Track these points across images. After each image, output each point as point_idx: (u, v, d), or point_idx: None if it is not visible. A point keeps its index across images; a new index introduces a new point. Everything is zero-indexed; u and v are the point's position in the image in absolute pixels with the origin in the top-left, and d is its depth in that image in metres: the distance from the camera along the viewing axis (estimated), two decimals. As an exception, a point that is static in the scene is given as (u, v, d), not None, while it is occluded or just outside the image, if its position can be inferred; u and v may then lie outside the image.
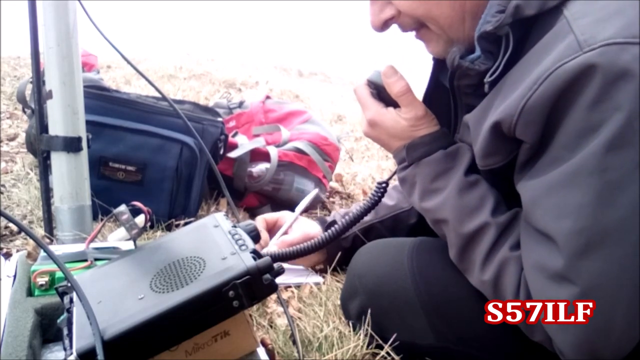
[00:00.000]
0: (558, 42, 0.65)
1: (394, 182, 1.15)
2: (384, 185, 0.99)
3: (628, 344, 0.65)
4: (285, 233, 1.18)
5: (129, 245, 0.90)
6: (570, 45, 0.63)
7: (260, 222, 1.19)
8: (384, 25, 0.81)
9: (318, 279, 1.12)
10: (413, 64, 0.90)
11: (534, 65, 0.67)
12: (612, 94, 0.60)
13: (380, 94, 0.88)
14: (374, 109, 0.88)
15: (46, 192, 1.17)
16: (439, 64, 0.90)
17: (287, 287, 1.09)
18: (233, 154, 1.56)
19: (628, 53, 0.60)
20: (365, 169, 2.22)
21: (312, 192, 1.32)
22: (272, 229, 1.21)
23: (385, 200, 1.15)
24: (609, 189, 0.61)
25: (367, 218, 1.14)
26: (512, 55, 0.71)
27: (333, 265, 1.14)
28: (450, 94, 0.88)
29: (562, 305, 0.64)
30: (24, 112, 1.66)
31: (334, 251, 1.15)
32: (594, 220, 0.62)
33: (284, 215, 1.22)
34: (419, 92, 0.89)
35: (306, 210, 1.66)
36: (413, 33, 0.83)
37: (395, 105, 0.87)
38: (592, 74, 0.61)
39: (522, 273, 0.72)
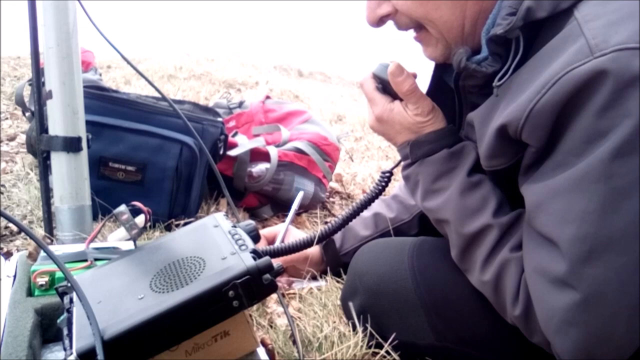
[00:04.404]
0: (568, 45, 0.64)
1: (396, 183, 1.15)
2: (387, 174, 0.99)
3: (627, 350, 0.64)
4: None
5: (129, 245, 0.90)
6: (581, 49, 0.62)
7: (262, 240, 1.18)
8: (379, 21, 0.81)
9: (321, 283, 1.12)
10: (413, 62, 0.90)
11: (542, 68, 0.66)
12: (623, 101, 0.59)
13: (386, 88, 0.87)
14: (381, 105, 0.87)
15: (46, 192, 1.17)
16: (442, 63, 0.89)
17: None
18: (233, 152, 1.56)
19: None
20: (365, 169, 2.22)
21: (297, 199, 1.31)
22: (272, 244, 1.20)
23: (385, 212, 1.15)
24: (615, 196, 0.61)
25: (367, 233, 1.14)
26: (520, 56, 0.70)
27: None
28: (455, 92, 0.87)
29: (562, 310, 0.64)
30: (24, 114, 1.66)
31: (335, 267, 1.14)
32: (598, 227, 0.61)
33: (281, 229, 1.22)
34: (422, 87, 0.88)
35: (306, 210, 1.66)
36: (412, 35, 0.83)
37: (401, 98, 0.87)
38: (603, 79, 0.59)
39: (522, 275, 0.71)
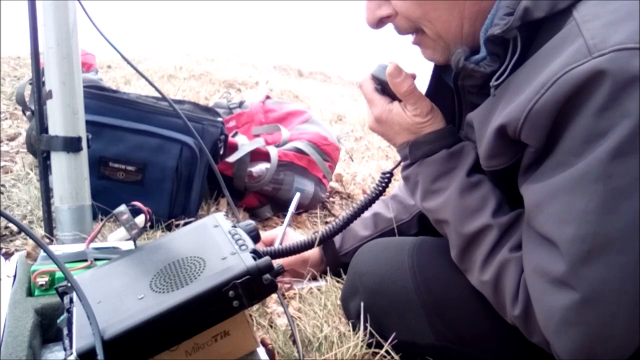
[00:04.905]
0: (567, 46, 0.64)
1: (396, 183, 1.15)
2: (388, 175, 0.99)
3: (627, 350, 0.64)
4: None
5: (129, 245, 0.90)
6: (579, 49, 0.62)
7: (259, 244, 1.18)
8: (379, 23, 0.81)
9: (321, 283, 1.12)
10: (412, 62, 0.90)
11: (541, 68, 0.66)
12: (621, 101, 0.59)
13: (385, 88, 0.87)
14: (380, 106, 0.87)
15: (46, 192, 1.17)
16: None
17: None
18: (231, 159, 1.56)
19: (639, 59, 0.58)
20: (365, 169, 2.22)
21: (294, 201, 1.31)
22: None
23: (384, 212, 1.15)
24: (614, 196, 0.60)
25: (367, 233, 1.14)
26: (518, 56, 0.70)
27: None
28: (454, 92, 0.87)
29: (561, 310, 0.64)
30: (24, 113, 1.66)
31: (335, 267, 1.14)
32: (598, 227, 0.61)
33: (279, 232, 1.22)
34: (422, 88, 0.88)
35: (306, 210, 1.66)
36: (410, 38, 0.83)
37: (400, 99, 0.87)
38: (602, 80, 0.59)
39: (522, 275, 0.71)
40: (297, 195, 1.34)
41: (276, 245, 1.15)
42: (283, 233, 1.19)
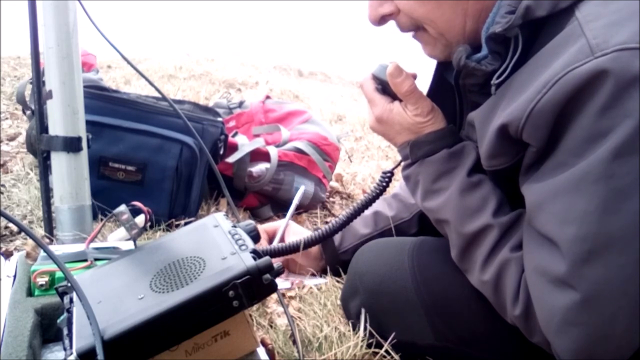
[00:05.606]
0: (569, 45, 0.64)
1: (397, 182, 1.15)
2: (388, 174, 0.99)
3: (627, 350, 0.64)
4: (282, 240, 1.18)
5: (129, 245, 0.90)
6: (581, 49, 0.62)
7: (262, 235, 1.18)
8: (381, 20, 0.81)
9: (321, 280, 1.12)
10: (414, 60, 0.90)
11: (543, 68, 0.66)
12: (623, 101, 0.59)
13: (385, 88, 0.87)
14: (380, 106, 0.87)
15: (46, 192, 1.17)
16: (443, 61, 0.89)
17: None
18: (231, 159, 1.56)
19: None
20: (365, 169, 2.22)
21: (299, 193, 1.31)
22: (272, 239, 1.21)
23: (384, 211, 1.15)
24: (615, 196, 0.60)
25: (366, 231, 1.14)
26: (520, 55, 0.70)
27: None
28: (456, 91, 0.87)
29: (562, 310, 0.64)
30: (24, 113, 1.66)
31: (334, 264, 1.14)
32: (599, 227, 0.61)
33: (281, 224, 1.22)
34: (423, 87, 0.88)
35: (306, 210, 1.66)
36: (411, 34, 0.83)
37: (400, 98, 0.87)
38: (604, 79, 0.59)
39: (522, 274, 0.71)
40: (302, 189, 1.34)
41: (277, 238, 1.15)
42: (285, 225, 1.19)
